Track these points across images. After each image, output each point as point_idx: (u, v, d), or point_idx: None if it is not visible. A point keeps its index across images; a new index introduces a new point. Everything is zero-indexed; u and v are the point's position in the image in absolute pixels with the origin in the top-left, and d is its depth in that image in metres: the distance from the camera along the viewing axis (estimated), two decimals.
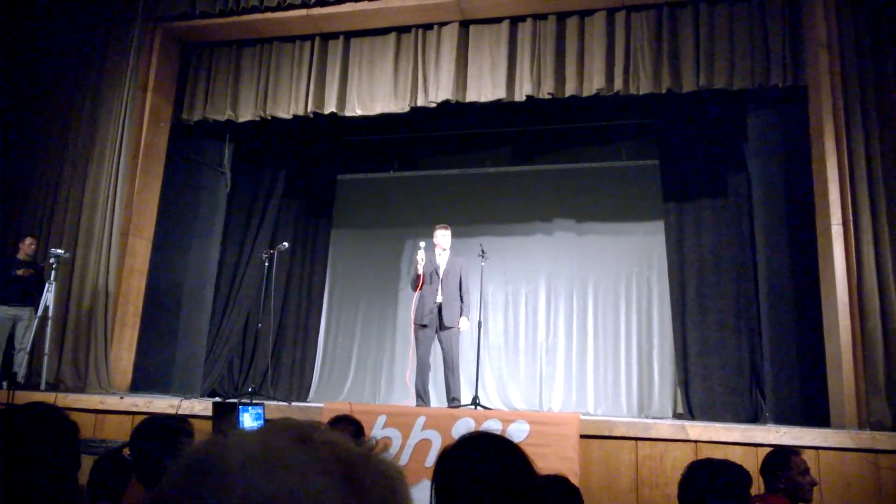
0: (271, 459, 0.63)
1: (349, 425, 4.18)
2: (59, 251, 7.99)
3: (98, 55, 9.12)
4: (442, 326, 7.71)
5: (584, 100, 8.13)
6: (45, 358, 7.85)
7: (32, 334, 7.95)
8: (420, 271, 7.81)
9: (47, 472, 1.47)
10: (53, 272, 7.93)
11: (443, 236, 7.95)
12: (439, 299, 7.73)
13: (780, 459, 4.02)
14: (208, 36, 9.27)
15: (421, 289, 7.82)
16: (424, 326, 7.75)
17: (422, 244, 7.94)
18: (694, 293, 8.96)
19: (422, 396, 7.64)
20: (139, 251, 8.85)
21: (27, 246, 8.23)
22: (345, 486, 0.62)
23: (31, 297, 7.98)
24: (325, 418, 6.45)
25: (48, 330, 7.90)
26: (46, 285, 7.88)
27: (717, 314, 8.81)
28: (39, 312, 7.86)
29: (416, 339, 7.80)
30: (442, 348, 7.76)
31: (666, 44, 7.77)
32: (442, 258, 7.91)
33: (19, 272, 7.99)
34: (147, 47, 9.08)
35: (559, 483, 2.63)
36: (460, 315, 7.76)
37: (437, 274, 7.82)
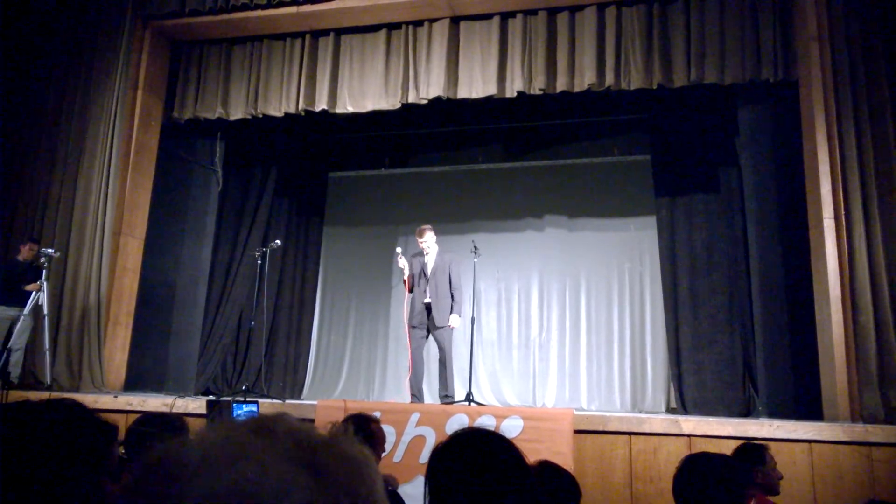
0: (231, 452, 0.62)
1: (368, 423, 3.85)
2: (50, 251, 7.96)
3: (88, 54, 9.07)
4: (433, 326, 7.72)
5: (576, 95, 8.13)
6: (46, 356, 7.84)
7: (27, 334, 7.95)
8: (405, 275, 7.82)
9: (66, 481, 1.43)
10: (45, 272, 7.91)
11: (425, 241, 7.93)
12: (427, 299, 7.75)
13: (758, 455, 4.05)
14: (198, 34, 9.23)
15: (412, 290, 7.85)
16: (416, 327, 7.76)
17: (398, 249, 7.96)
18: (686, 288, 8.98)
19: (416, 394, 7.65)
20: (131, 250, 8.83)
21: (27, 251, 8.18)
22: (307, 473, 0.62)
23: (27, 297, 7.95)
24: (319, 415, 6.46)
25: (45, 329, 7.88)
26: (38, 283, 7.87)
27: (709, 309, 8.83)
28: (27, 311, 7.82)
29: (410, 339, 7.81)
30: (437, 346, 7.77)
31: (657, 39, 7.77)
32: (429, 258, 7.90)
33: (28, 287, 7.94)
34: (137, 46, 9.05)
35: (555, 471, 2.63)
36: (451, 313, 7.76)
37: (425, 274, 7.82)
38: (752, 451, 4.14)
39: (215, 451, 0.62)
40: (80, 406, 1.58)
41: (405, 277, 7.84)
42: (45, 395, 7.27)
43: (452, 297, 7.79)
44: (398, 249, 7.96)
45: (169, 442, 0.66)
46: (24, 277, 7.98)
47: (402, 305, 10.09)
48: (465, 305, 7.95)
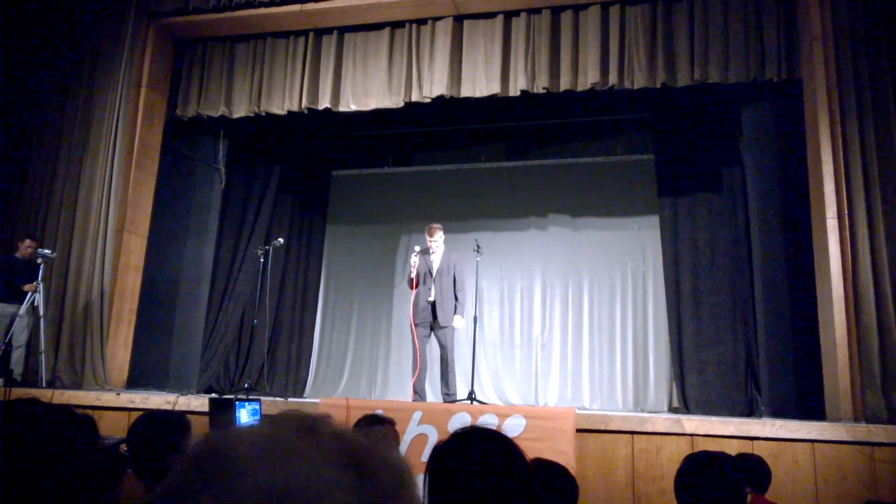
0: (281, 451, 0.62)
1: (380, 424, 3.82)
2: (47, 251, 7.97)
3: (91, 52, 9.08)
4: (436, 325, 7.72)
5: (579, 94, 8.13)
6: (42, 357, 7.84)
7: (27, 332, 7.97)
8: (413, 274, 7.83)
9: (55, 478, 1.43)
10: (41, 272, 7.90)
11: (435, 241, 7.93)
12: (432, 298, 7.74)
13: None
14: (202, 32, 9.24)
15: (416, 288, 7.85)
16: (419, 325, 7.76)
17: (417, 248, 7.93)
18: (689, 287, 8.97)
19: (419, 392, 7.66)
20: (134, 248, 8.84)
21: (25, 247, 8.19)
22: (356, 477, 0.62)
23: (27, 294, 7.96)
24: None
25: (41, 329, 7.89)
26: (35, 284, 7.86)
27: (712, 308, 8.82)
28: (22, 311, 7.82)
29: (415, 337, 7.80)
30: (439, 345, 7.77)
31: (660, 38, 7.76)
32: (435, 257, 7.89)
33: (25, 288, 7.94)
34: (140, 44, 9.06)
35: (551, 468, 2.63)
36: (454, 313, 7.76)
37: (431, 273, 7.82)
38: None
39: (265, 450, 0.62)
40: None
41: (412, 276, 7.84)
42: (47, 392, 7.29)
43: (456, 297, 7.80)
44: (417, 248, 7.94)
45: (215, 435, 0.66)
46: (21, 276, 7.98)
47: (404, 304, 10.13)
48: (468, 305, 7.94)
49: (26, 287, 7.91)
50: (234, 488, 0.59)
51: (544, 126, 10.55)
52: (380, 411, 6.46)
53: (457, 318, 7.75)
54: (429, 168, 11.23)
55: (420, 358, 7.71)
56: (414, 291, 7.89)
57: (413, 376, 7.69)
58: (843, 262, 6.58)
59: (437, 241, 7.90)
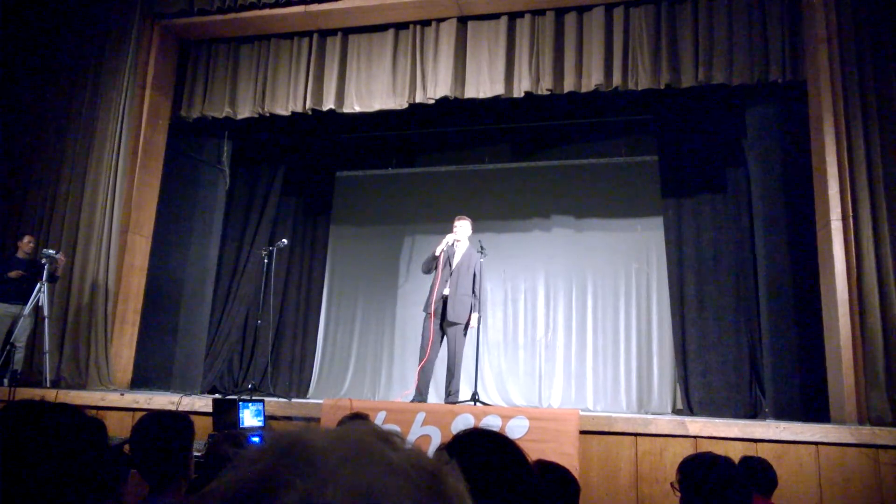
0: (367, 456, 0.62)
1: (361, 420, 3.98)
2: (51, 252, 7.96)
3: (97, 53, 9.10)
4: (446, 322, 7.55)
5: (583, 96, 8.13)
6: (46, 357, 7.85)
7: (27, 332, 7.97)
8: (437, 253, 7.63)
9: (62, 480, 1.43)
10: (45, 272, 7.90)
11: (459, 227, 7.77)
12: (446, 292, 7.55)
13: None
14: (206, 33, 9.26)
15: (436, 272, 7.68)
16: (430, 315, 7.59)
17: (449, 237, 7.70)
18: (693, 289, 8.96)
19: (422, 390, 7.57)
20: (139, 248, 8.85)
21: (25, 244, 8.22)
22: (433, 496, 0.63)
23: (29, 295, 7.96)
24: (325, 414, 6.46)
25: (46, 328, 7.89)
26: (38, 285, 7.84)
27: (716, 310, 8.81)
28: (27, 311, 7.82)
29: (427, 328, 7.59)
30: (447, 344, 7.66)
31: (665, 39, 7.76)
32: (459, 248, 7.72)
33: (11, 275, 7.95)
34: (145, 45, 9.08)
35: (552, 469, 2.62)
36: (470, 311, 7.57)
37: (450, 264, 7.64)
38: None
39: (354, 450, 0.63)
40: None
41: (436, 255, 7.62)
42: (51, 392, 7.30)
43: (475, 294, 7.63)
44: (449, 237, 7.65)
45: (299, 430, 0.66)
46: (23, 277, 7.99)
47: (408, 305, 10.17)
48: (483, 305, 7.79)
49: (12, 274, 7.91)
50: (321, 485, 0.59)
51: (548, 127, 10.54)
52: (383, 413, 6.49)
53: (472, 315, 7.58)
54: (433, 169, 11.23)
55: (430, 347, 7.53)
56: (432, 278, 7.73)
57: (420, 365, 7.54)
58: (848, 264, 6.56)
59: (460, 228, 7.73)
